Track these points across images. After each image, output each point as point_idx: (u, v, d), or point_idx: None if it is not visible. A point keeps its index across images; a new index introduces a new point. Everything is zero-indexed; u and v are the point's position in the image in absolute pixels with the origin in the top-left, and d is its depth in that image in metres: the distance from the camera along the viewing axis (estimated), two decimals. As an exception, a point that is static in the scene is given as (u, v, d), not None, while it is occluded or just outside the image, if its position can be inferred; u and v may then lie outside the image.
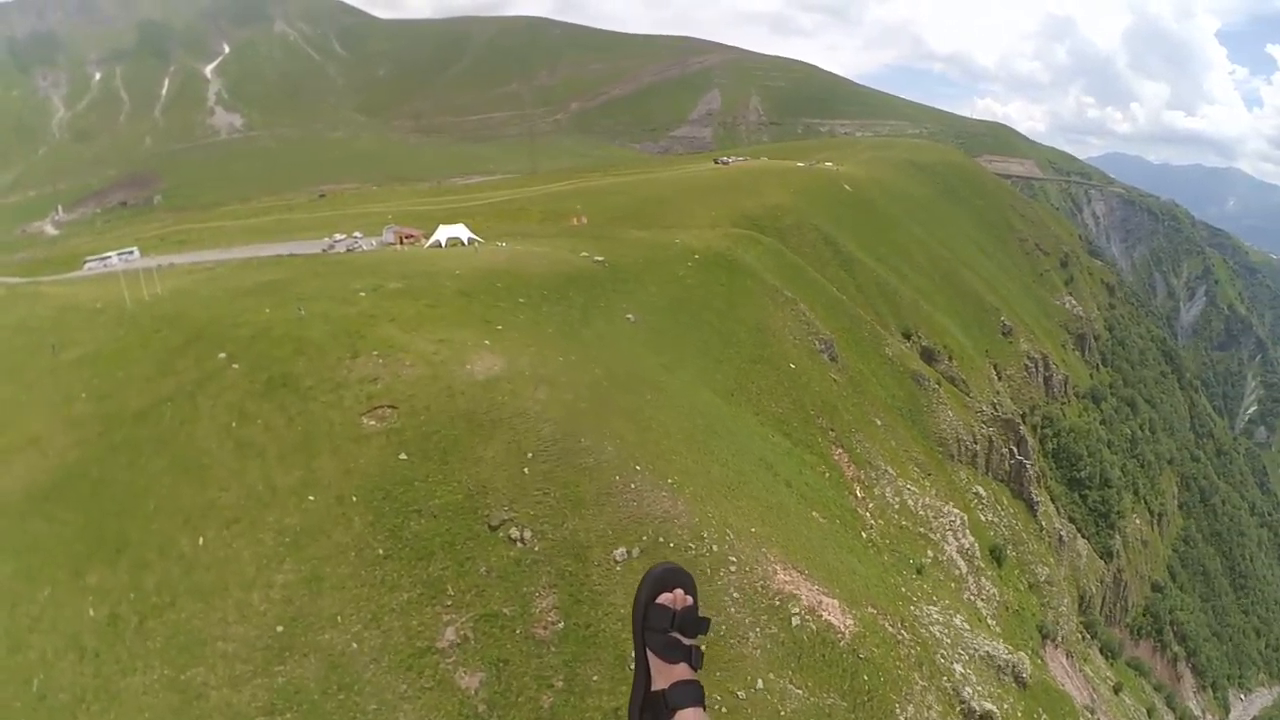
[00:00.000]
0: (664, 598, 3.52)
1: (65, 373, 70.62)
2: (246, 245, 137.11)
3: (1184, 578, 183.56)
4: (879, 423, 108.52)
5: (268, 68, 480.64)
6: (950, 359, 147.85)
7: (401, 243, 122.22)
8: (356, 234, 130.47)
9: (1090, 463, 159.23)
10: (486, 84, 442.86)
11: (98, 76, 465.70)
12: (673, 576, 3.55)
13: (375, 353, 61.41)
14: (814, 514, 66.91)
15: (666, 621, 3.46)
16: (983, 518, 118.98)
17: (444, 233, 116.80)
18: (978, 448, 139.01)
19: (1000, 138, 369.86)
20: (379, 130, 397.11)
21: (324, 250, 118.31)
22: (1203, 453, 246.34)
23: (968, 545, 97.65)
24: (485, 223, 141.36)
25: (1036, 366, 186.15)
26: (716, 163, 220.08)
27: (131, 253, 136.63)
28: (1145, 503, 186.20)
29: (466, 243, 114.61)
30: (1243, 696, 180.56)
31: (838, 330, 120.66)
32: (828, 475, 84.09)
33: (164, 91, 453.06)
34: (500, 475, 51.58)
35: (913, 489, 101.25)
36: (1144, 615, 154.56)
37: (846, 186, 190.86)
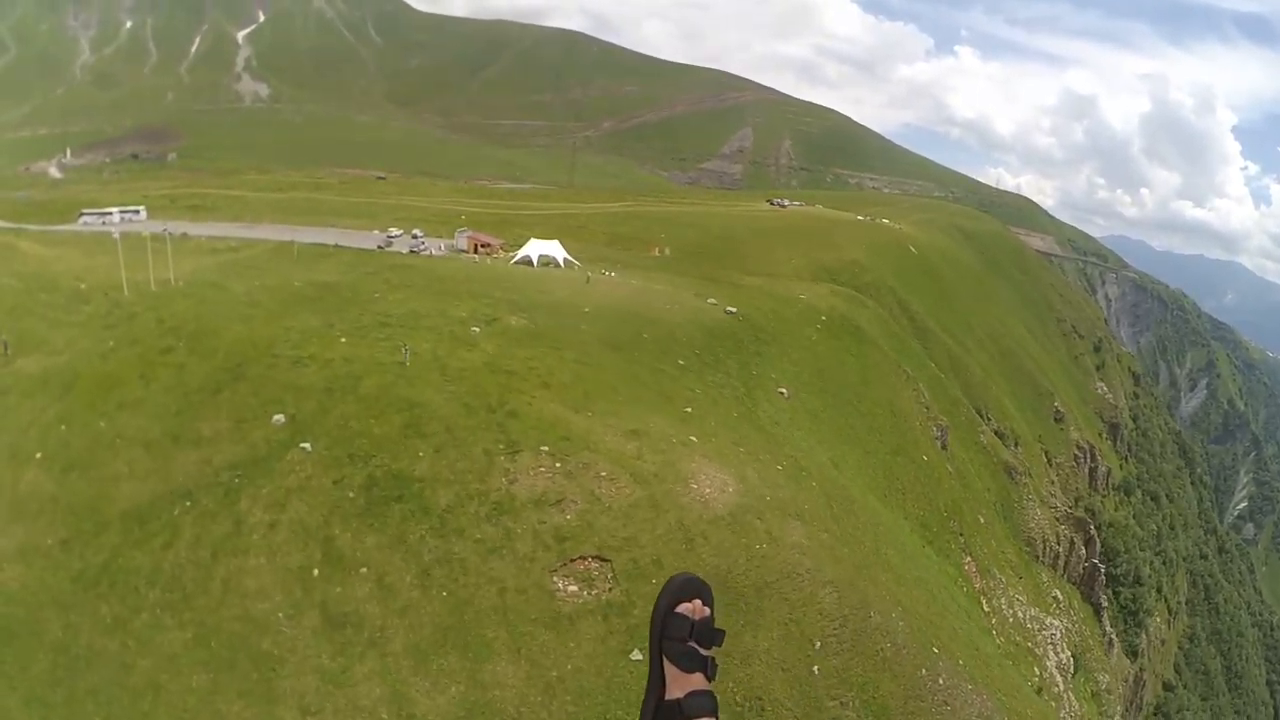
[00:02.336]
0: (683, 607, 3.26)
1: (12, 401, 46.79)
2: (276, 224, 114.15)
3: (1187, 676, 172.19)
4: (982, 520, 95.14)
5: (301, 41, 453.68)
6: (1016, 445, 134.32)
7: (476, 251, 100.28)
8: (416, 231, 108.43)
9: (1127, 559, 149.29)
10: (519, 91, 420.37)
11: (128, 24, 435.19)
12: (692, 587, 3.30)
13: (544, 448, 40.43)
14: (981, 645, 53.28)
15: (685, 631, 3.21)
16: (1064, 625, 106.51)
17: (535, 249, 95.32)
18: (1060, 548, 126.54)
19: (1023, 210, 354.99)
20: (408, 121, 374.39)
21: (380, 247, 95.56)
22: (1209, 550, 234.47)
23: (1065, 660, 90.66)
24: (556, 239, 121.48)
25: (1085, 456, 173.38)
26: (771, 204, 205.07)
27: (137, 212, 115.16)
28: (1165, 600, 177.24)
29: (562, 264, 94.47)
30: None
31: (945, 413, 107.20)
32: (965, 589, 72.84)
33: (193, 49, 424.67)
34: (779, 680, 33.39)
35: (1020, 598, 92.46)
36: (1154, 715, 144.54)
37: (912, 249, 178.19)
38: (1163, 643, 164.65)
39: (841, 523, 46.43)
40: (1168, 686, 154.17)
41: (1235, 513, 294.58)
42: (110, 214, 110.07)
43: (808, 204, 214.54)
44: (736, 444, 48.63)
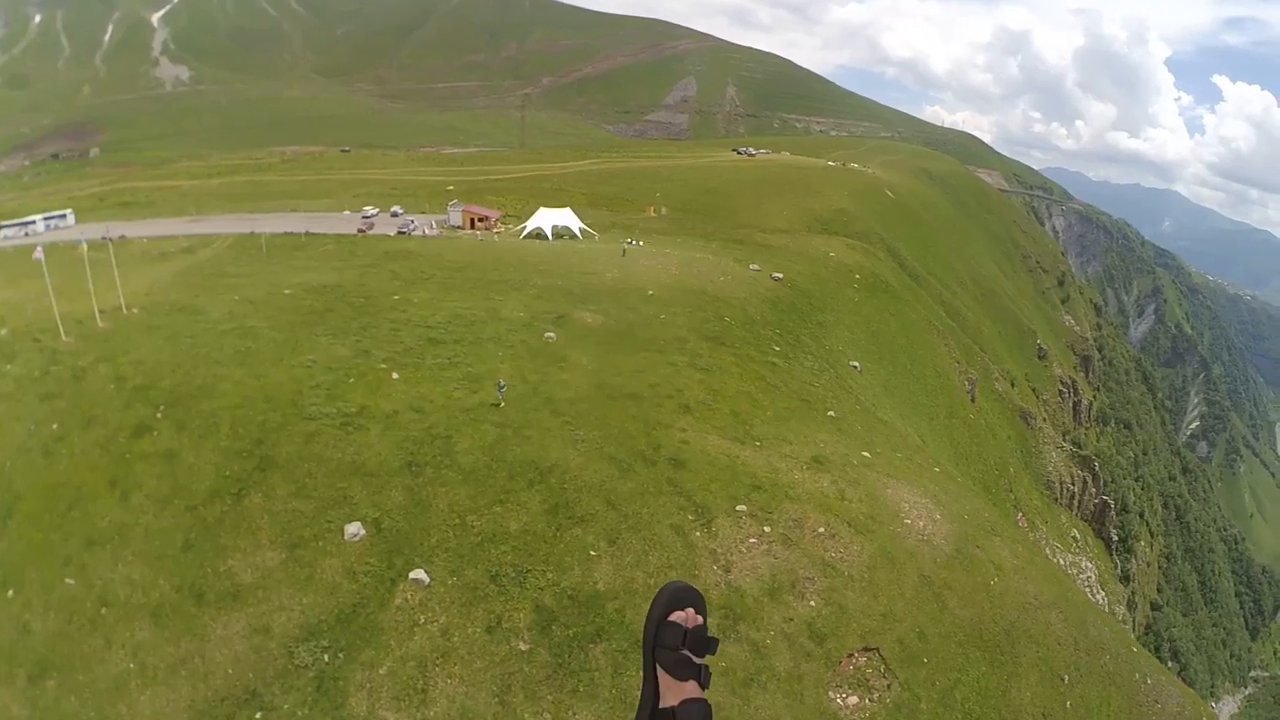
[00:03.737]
0: (676, 615, 3.23)
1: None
2: (226, 214, 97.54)
3: (1168, 594, 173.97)
4: (1013, 470, 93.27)
5: (220, 19, 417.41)
6: (1013, 385, 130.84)
7: (473, 226, 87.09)
8: (396, 208, 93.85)
9: (1113, 489, 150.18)
10: (453, 52, 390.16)
11: (37, 19, 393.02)
12: (685, 595, 3.28)
13: (741, 508, 31.04)
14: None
15: (678, 639, 3.18)
16: (1095, 567, 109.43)
17: (547, 219, 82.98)
18: (1075, 488, 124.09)
19: (968, 147, 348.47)
20: (340, 93, 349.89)
21: (361, 230, 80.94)
22: (1176, 471, 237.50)
23: (1101, 601, 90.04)
24: (533, 203, 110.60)
25: (1069, 391, 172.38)
26: (739, 152, 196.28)
27: (64, 216, 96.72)
28: (1147, 524, 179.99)
29: (579, 234, 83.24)
30: (1214, 704, 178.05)
31: (968, 365, 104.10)
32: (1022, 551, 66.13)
33: (107, 38, 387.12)
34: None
35: (1056, 544, 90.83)
36: (1146, 634, 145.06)
37: (889, 193, 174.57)
38: (1148, 565, 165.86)
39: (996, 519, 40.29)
40: (1155, 606, 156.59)
41: (1188, 432, 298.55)
42: (33, 223, 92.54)
43: (774, 151, 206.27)
44: (892, 449, 41.54)
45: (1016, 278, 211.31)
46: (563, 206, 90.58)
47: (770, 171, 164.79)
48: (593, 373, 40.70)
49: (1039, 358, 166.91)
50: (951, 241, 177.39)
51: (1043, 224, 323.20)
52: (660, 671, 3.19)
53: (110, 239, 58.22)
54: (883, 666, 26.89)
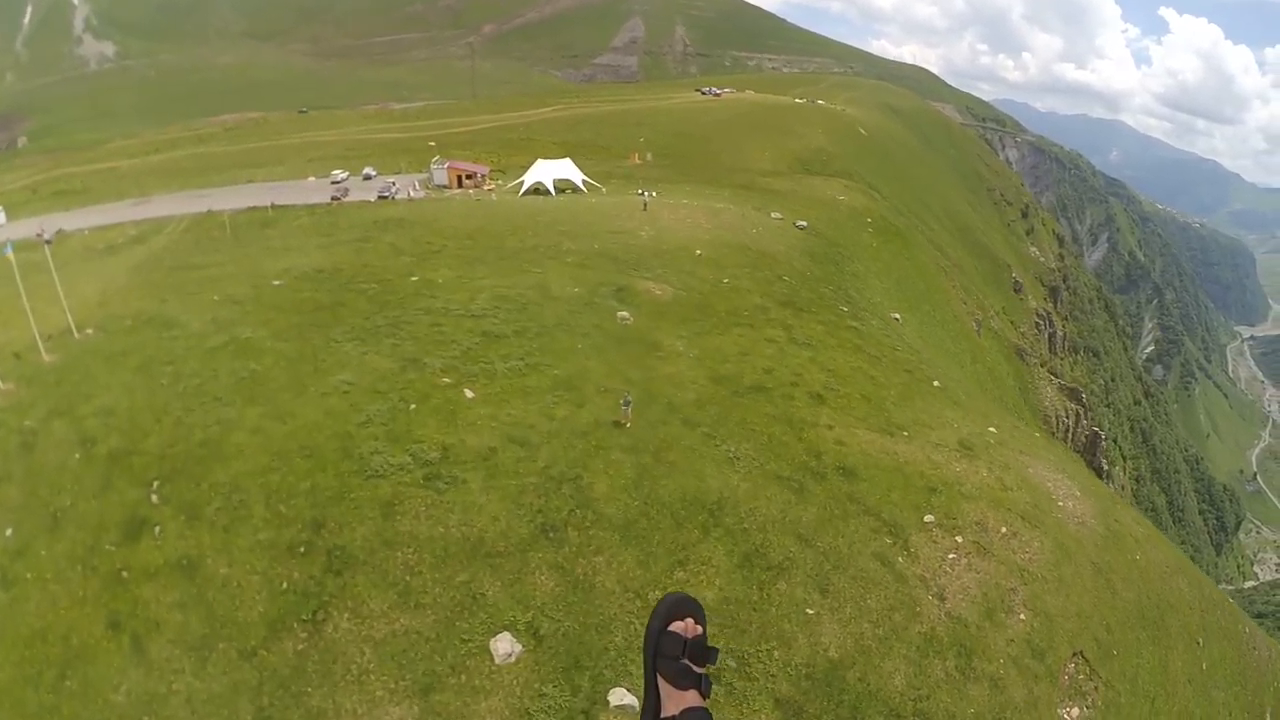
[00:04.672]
0: (676, 625, 3.21)
1: None
2: (173, 192, 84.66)
3: (1139, 515, 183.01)
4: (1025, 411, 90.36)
5: None
6: (994, 318, 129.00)
7: (460, 184, 76.92)
8: (368, 170, 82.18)
9: (1091, 417, 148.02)
10: (388, 4, 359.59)
11: None
12: (684, 605, 3.27)
13: (928, 518, 27.46)
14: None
15: (678, 649, 3.14)
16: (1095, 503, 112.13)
17: (546, 172, 73.59)
18: (1069, 421, 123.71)
19: (921, 81, 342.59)
20: (274, 55, 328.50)
21: (336, 198, 70.18)
22: (1140, 396, 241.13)
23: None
24: (504, 156, 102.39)
25: (1044, 323, 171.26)
26: (702, 92, 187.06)
27: None
28: (1120, 449, 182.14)
29: (582, 186, 74.80)
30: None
31: (973, 304, 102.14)
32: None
33: (26, 21, 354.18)
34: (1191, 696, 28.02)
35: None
36: None
37: (861, 130, 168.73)
38: (1122, 488, 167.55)
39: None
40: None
41: (1144, 356, 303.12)
42: None
43: (738, 90, 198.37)
44: (1000, 418, 39.13)
45: (983, 211, 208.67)
46: (528, 155, 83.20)
47: (741, 111, 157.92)
48: (698, 361, 34.30)
49: (1014, 291, 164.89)
50: (924, 178, 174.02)
51: (997, 156, 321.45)
52: (661, 681, 3.10)
53: (46, 239, 47.36)
54: (1088, 669, 25.32)
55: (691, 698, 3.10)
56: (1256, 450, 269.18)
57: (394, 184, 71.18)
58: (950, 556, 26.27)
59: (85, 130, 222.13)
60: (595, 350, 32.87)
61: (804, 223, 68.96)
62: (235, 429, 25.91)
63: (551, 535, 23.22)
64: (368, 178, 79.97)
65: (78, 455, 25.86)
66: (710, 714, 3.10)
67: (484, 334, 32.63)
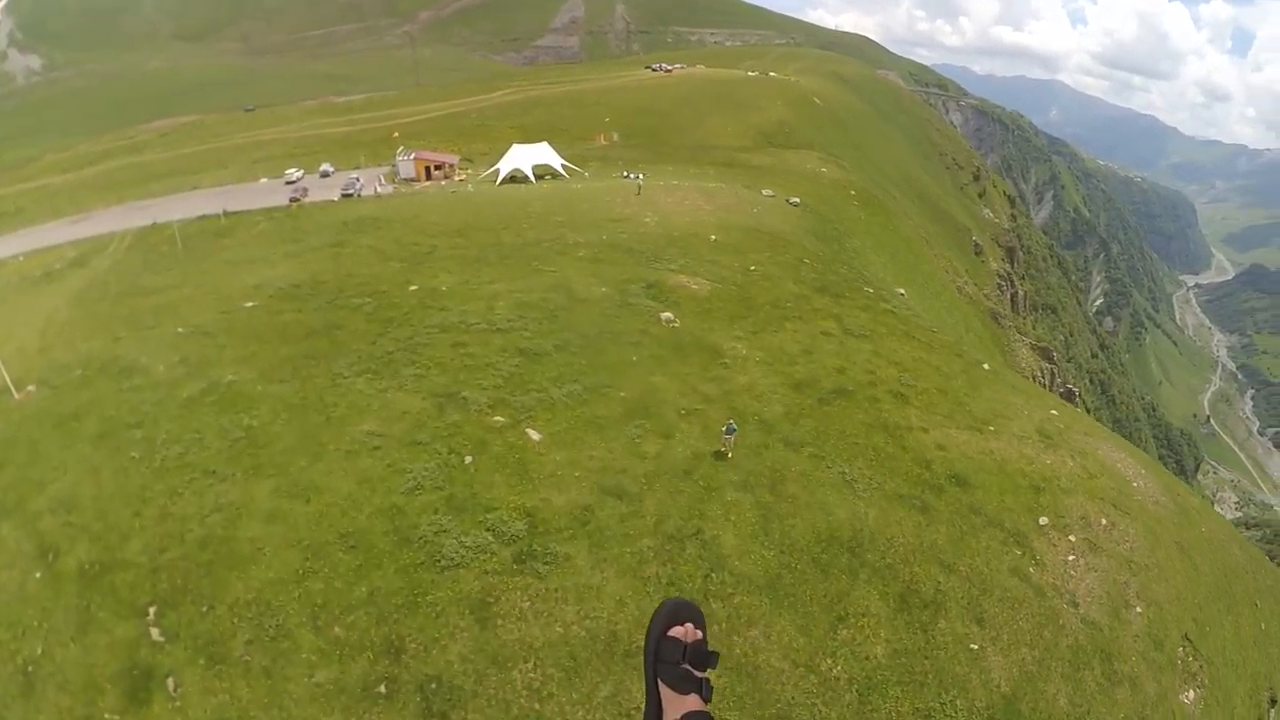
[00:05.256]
0: (675, 631, 3.13)
1: None
2: (113, 205, 76.16)
3: None
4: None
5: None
6: (967, 283, 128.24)
7: (429, 176, 70.75)
8: (325, 167, 75.52)
9: (1055, 371, 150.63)
10: None
11: None
12: (684, 611, 3.20)
13: (1042, 520, 25.97)
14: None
15: (678, 654, 3.07)
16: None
17: (523, 158, 67.75)
18: (1044, 381, 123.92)
19: (863, 49, 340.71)
20: (205, 56, 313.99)
21: (295, 199, 63.35)
22: (1095, 348, 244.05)
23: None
24: (460, 144, 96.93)
25: (1006, 284, 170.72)
26: (653, 69, 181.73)
27: None
28: (1084, 402, 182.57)
29: (562, 171, 69.38)
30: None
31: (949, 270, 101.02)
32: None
33: None
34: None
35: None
36: None
37: (817, 100, 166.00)
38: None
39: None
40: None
41: (1094, 309, 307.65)
42: None
43: (688, 65, 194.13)
44: (1053, 402, 37.38)
45: (938, 176, 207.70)
46: (489, 141, 77.80)
47: (696, 87, 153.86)
48: (766, 365, 30.62)
49: (975, 254, 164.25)
50: (880, 146, 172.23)
51: (945, 120, 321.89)
52: (662, 686, 3.04)
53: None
54: (1194, 650, 25.13)
55: (692, 702, 2.97)
56: (1208, 394, 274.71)
57: (358, 180, 64.93)
58: (1070, 559, 25.19)
59: (15, 147, 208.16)
60: (654, 362, 28.13)
61: (796, 199, 66.04)
62: (244, 516, 20.00)
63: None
64: (325, 175, 73.47)
65: (38, 574, 19.84)
66: (711, 717, 2.98)
67: (520, 352, 27.27)
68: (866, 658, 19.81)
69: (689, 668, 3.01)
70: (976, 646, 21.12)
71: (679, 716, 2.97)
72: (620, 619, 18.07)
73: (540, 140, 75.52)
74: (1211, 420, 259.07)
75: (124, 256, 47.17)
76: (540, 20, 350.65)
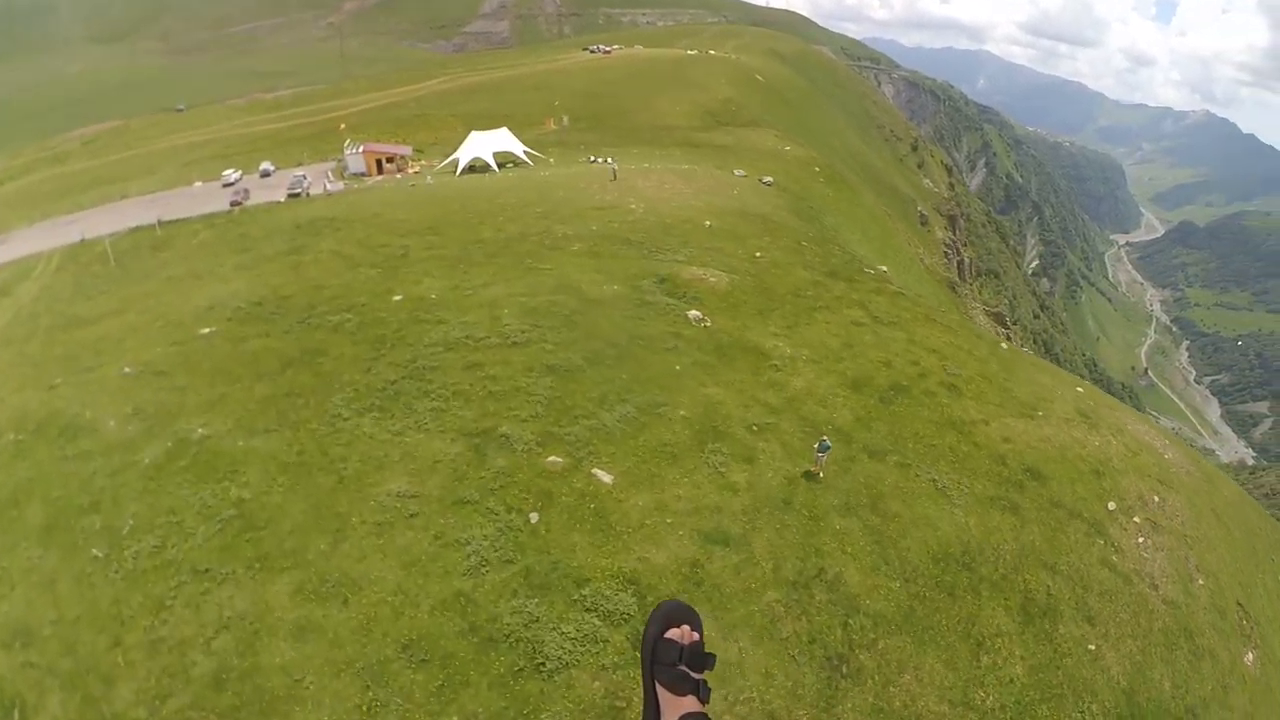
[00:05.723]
0: (671, 632, 3.10)
1: None
2: (36, 224, 66.82)
3: None
4: None
5: None
6: (922, 254, 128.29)
7: (381, 169, 65.14)
8: (266, 165, 69.40)
9: (1017, 341, 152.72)
10: None
11: None
12: (680, 613, 3.15)
13: (1110, 505, 25.41)
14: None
15: (674, 655, 3.04)
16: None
17: (484, 146, 62.93)
18: (1004, 347, 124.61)
19: (794, 24, 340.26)
20: (124, 58, 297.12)
21: (236, 203, 57.16)
22: (1037, 309, 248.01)
23: None
24: (404, 134, 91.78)
25: (953, 252, 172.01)
26: (591, 51, 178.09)
27: None
28: None
29: (526, 159, 65.00)
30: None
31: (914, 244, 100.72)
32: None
33: None
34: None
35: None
36: None
37: (759, 78, 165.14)
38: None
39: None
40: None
41: (1031, 271, 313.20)
42: None
43: (626, 46, 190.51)
44: (1071, 379, 36.14)
45: (879, 149, 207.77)
46: (435, 131, 72.97)
47: (638, 67, 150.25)
48: (815, 364, 27.88)
49: (921, 224, 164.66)
50: (823, 120, 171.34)
51: (881, 93, 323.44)
52: (659, 688, 3.01)
53: None
54: (1245, 614, 25.50)
55: (689, 703, 2.95)
56: (1144, 347, 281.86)
57: (304, 178, 59.30)
58: (1140, 540, 25.03)
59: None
60: (701, 370, 24.57)
61: (770, 179, 63.85)
62: (264, 634, 15.23)
63: (845, 671, 16.74)
64: (266, 174, 67.42)
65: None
66: (709, 718, 2.98)
67: (550, 370, 23.15)
68: (1011, 680, 18.42)
69: (686, 669, 2.92)
70: (1094, 647, 20.49)
71: (677, 718, 2.89)
72: (773, 696, 15.10)
73: (490, 127, 70.94)
74: (1150, 372, 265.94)
75: (52, 281, 40.86)
76: (468, 6, 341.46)
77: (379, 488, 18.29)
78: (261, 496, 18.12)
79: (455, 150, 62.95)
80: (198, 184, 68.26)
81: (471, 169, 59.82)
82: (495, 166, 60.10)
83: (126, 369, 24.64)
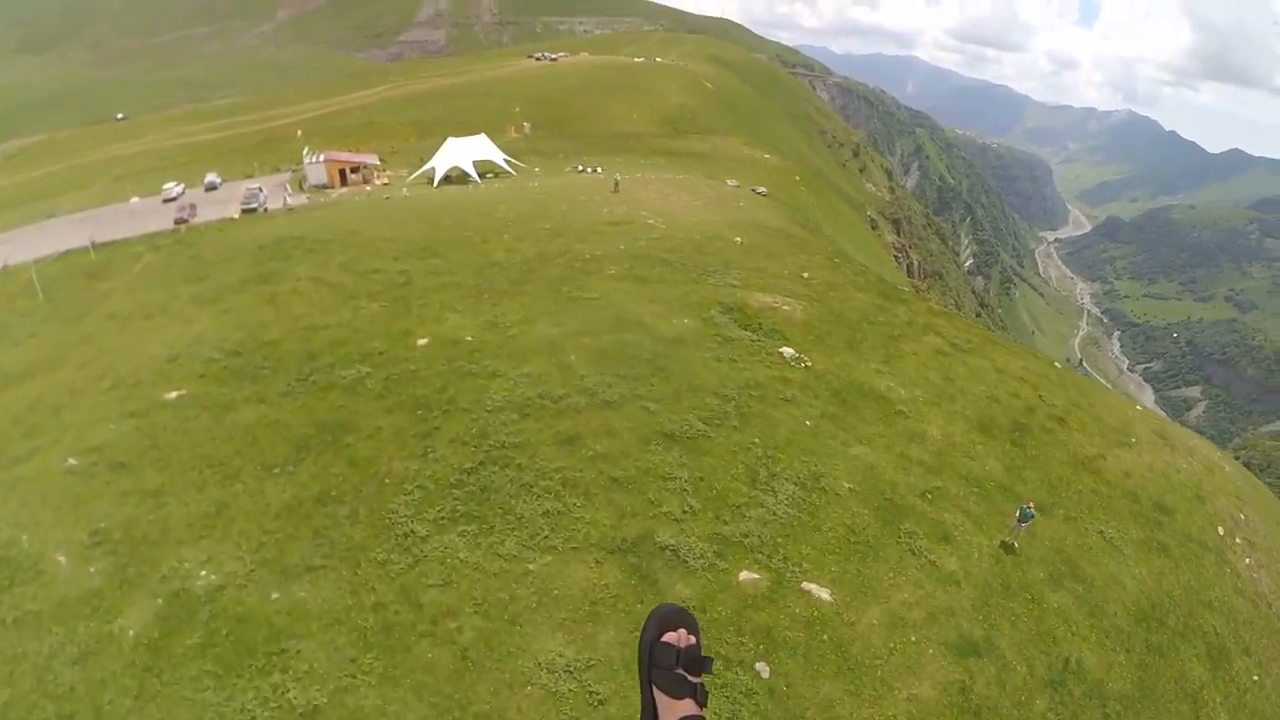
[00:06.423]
0: (668, 636, 2.98)
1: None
2: None
3: None
4: None
5: None
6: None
7: (345, 180, 57.81)
8: (211, 177, 61.40)
9: None
10: None
11: None
12: (677, 617, 3.03)
13: (1219, 530, 24.12)
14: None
15: (671, 659, 2.92)
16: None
17: (463, 154, 56.46)
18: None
19: (730, 32, 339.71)
20: (52, 68, 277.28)
21: (182, 220, 49.59)
22: (978, 308, 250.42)
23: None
24: (353, 143, 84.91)
25: (902, 255, 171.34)
26: (537, 59, 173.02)
27: None
28: None
29: (507, 168, 58.89)
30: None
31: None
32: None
33: None
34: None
35: None
36: None
37: (708, 85, 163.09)
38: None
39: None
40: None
41: (966, 270, 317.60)
42: None
43: (572, 54, 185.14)
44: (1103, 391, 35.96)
45: (823, 154, 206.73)
46: (390, 140, 66.44)
47: (588, 75, 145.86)
48: (937, 406, 24.19)
49: (872, 228, 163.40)
50: (770, 126, 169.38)
51: (821, 99, 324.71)
52: (657, 692, 2.89)
53: None
54: None
55: (687, 706, 2.83)
56: (1077, 338, 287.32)
57: (260, 191, 51.68)
58: (1247, 562, 24.54)
59: None
60: (832, 424, 20.04)
61: (763, 189, 60.74)
62: None
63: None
64: (213, 187, 59.47)
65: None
66: None
67: (669, 439, 17.64)
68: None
69: (683, 672, 2.79)
70: (1256, 677, 20.07)
71: None
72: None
73: (434, 134, 64.47)
74: (1084, 363, 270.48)
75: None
76: (404, 15, 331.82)
77: (526, 659, 12.02)
78: (343, 698, 11.37)
79: (429, 159, 56.19)
80: (135, 199, 60.08)
81: (448, 179, 53.28)
82: (476, 177, 53.66)
83: (71, 460, 17.34)
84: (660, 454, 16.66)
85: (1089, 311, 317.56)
